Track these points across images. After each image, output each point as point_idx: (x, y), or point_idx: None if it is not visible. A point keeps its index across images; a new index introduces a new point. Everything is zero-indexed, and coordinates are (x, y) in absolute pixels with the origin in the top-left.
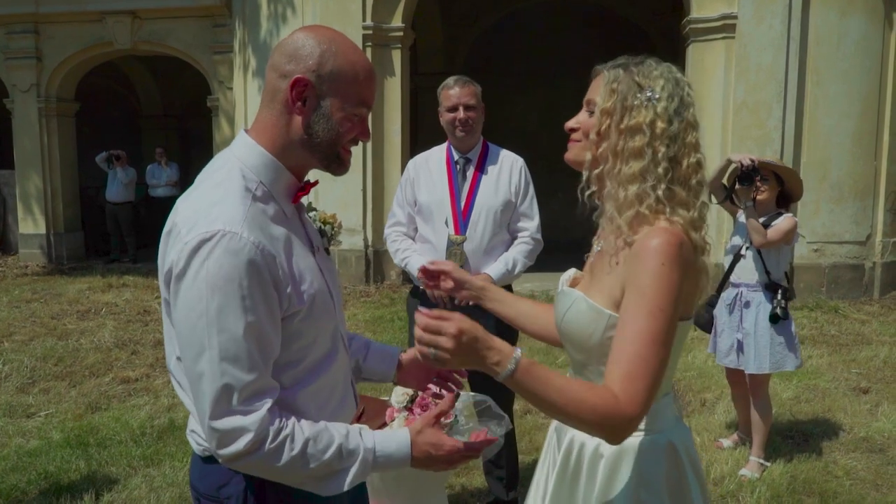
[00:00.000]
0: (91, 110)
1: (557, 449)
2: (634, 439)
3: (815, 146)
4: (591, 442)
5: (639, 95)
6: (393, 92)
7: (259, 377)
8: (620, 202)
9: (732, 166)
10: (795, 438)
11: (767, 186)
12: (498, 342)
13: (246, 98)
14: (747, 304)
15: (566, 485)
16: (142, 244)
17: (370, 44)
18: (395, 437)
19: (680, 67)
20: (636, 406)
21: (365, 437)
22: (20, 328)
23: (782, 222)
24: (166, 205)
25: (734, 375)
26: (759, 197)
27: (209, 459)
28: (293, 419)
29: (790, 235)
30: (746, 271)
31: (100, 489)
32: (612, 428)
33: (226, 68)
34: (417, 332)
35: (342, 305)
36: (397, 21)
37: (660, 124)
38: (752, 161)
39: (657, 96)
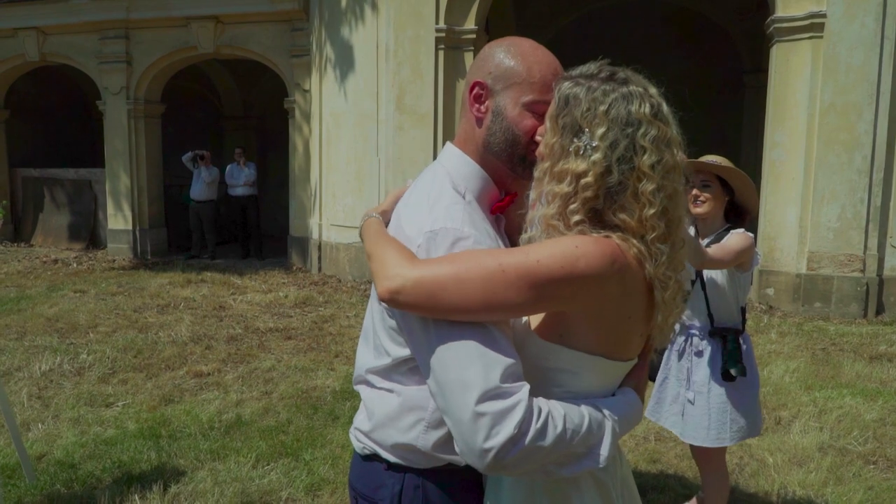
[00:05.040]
0: (175, 112)
1: None
2: None
3: None
4: None
5: (575, 140)
6: None
7: (516, 362)
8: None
9: None
10: (879, 465)
11: (710, 195)
12: None
13: (321, 100)
14: (699, 354)
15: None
16: (221, 241)
17: (442, 46)
18: (621, 398)
19: (764, 68)
20: (401, 280)
21: (600, 405)
22: (105, 320)
23: (731, 239)
24: (244, 204)
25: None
26: (697, 210)
27: (369, 458)
28: (540, 398)
29: (745, 256)
30: (694, 310)
31: (168, 480)
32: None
33: (303, 71)
34: None
35: None
36: (470, 23)
37: (587, 178)
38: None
39: (594, 144)
